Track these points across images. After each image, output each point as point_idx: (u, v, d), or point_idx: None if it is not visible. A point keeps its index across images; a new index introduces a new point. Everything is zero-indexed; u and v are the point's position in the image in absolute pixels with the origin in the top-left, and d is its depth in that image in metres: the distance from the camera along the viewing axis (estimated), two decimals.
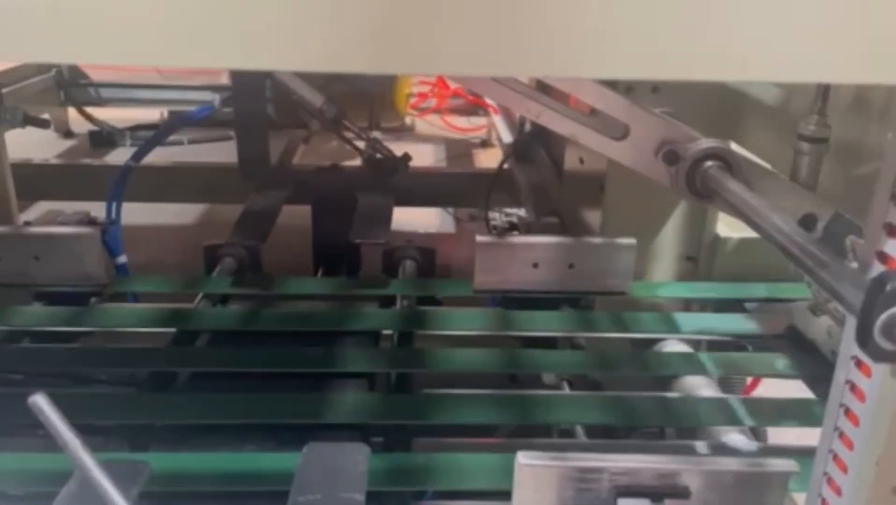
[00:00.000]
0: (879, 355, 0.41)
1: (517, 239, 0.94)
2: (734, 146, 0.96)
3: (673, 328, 0.94)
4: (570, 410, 0.78)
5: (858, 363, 0.47)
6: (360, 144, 1.25)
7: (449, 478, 0.64)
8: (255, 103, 1.22)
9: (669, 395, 0.85)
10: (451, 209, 2.32)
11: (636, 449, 0.75)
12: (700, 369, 0.88)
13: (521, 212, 1.83)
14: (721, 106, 0.97)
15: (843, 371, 0.48)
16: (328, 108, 1.07)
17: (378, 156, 1.12)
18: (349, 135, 1.25)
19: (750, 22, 0.36)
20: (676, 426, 0.83)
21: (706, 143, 0.63)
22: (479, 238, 0.93)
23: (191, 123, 1.44)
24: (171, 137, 2.34)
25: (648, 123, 0.63)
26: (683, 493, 0.57)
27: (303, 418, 0.70)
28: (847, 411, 0.47)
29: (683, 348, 0.97)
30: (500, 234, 0.93)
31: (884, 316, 0.39)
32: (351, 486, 0.52)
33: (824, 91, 0.66)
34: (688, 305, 1.07)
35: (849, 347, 0.47)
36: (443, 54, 0.37)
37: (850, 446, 0.47)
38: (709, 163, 0.62)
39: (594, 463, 0.57)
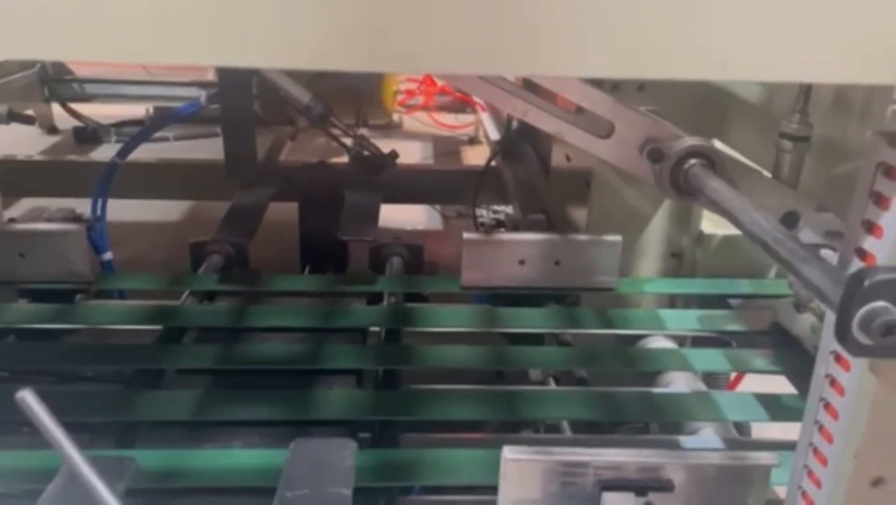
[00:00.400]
0: (857, 350, 0.41)
1: (504, 236, 0.95)
2: (718, 144, 0.98)
3: (658, 324, 0.94)
4: (555, 406, 0.78)
5: (838, 358, 0.47)
6: (348, 142, 1.25)
7: (436, 473, 0.64)
8: (241, 100, 1.21)
9: (654, 390, 0.86)
10: (438, 206, 2.32)
11: (621, 444, 0.75)
12: (684, 365, 0.89)
13: (509, 209, 1.84)
14: (706, 104, 0.98)
15: (823, 366, 0.48)
16: (315, 105, 1.07)
17: (365, 153, 1.13)
18: (336, 132, 1.25)
19: (730, 22, 0.36)
20: (660, 421, 0.84)
21: (690, 141, 0.64)
22: (466, 235, 0.93)
23: (177, 120, 1.43)
24: (158, 134, 2.33)
25: (633, 121, 0.64)
26: (667, 486, 0.58)
27: (290, 415, 0.70)
28: (827, 405, 0.48)
29: (668, 344, 0.99)
30: (487, 231, 0.94)
31: (862, 311, 0.40)
32: (338, 481, 0.52)
33: (806, 90, 0.67)
34: (673, 301, 1.08)
35: (828, 341, 0.48)
36: (429, 53, 0.38)
37: (830, 440, 0.48)
38: (692, 161, 0.63)
39: (579, 457, 0.58)
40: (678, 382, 0.91)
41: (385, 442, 0.72)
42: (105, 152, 2.25)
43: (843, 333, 0.41)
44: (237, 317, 0.88)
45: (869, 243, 0.44)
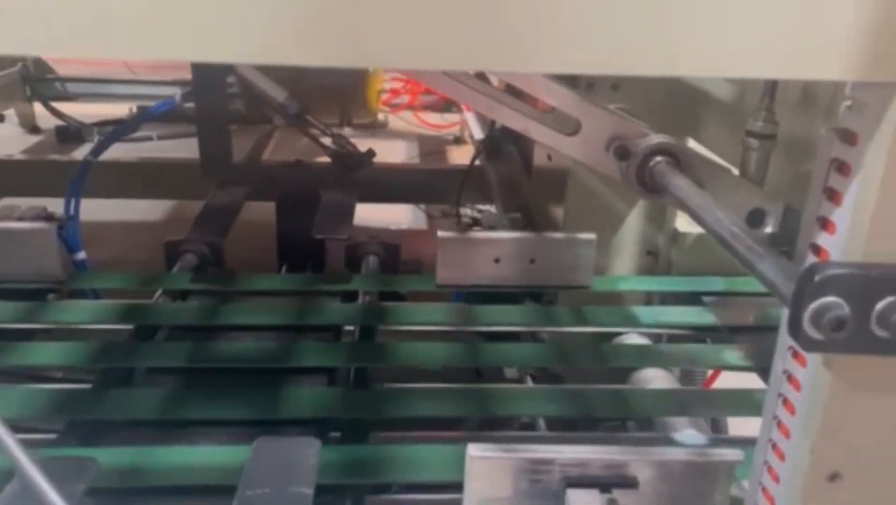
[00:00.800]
0: (809, 345, 0.42)
1: (479, 234, 0.95)
2: (693, 143, 0.98)
3: (633, 322, 0.95)
4: (527, 403, 0.78)
5: (795, 353, 0.48)
6: (327, 140, 1.24)
7: (404, 470, 0.64)
8: (216, 99, 1.21)
9: (627, 387, 0.86)
10: (423, 206, 2.32)
11: (590, 441, 0.75)
12: (659, 362, 0.89)
13: (493, 208, 1.84)
14: (680, 103, 0.98)
15: (781, 361, 0.49)
16: (291, 103, 1.06)
17: (342, 151, 1.12)
18: (314, 131, 1.24)
19: (679, 18, 0.36)
20: (632, 418, 0.84)
21: (656, 138, 0.64)
22: (440, 233, 0.93)
23: (152, 118, 1.43)
24: (140, 133, 2.32)
25: (599, 119, 0.64)
26: (632, 483, 0.58)
27: (258, 414, 0.70)
28: (785, 401, 0.48)
29: (643, 341, 0.99)
30: (462, 229, 0.94)
31: (813, 306, 0.40)
32: (300, 480, 0.52)
33: (771, 88, 0.67)
34: (649, 298, 1.08)
35: (785, 337, 0.48)
36: (385, 47, 0.37)
37: (788, 435, 0.48)
38: (658, 158, 0.63)
39: (544, 454, 0.58)
40: (652, 379, 0.91)
41: (354, 440, 0.72)
42: (87, 151, 2.23)
43: (795, 328, 0.41)
44: (209, 315, 0.88)
45: (823, 239, 0.44)
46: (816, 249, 0.45)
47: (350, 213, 1.05)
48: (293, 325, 0.87)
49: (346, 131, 2.66)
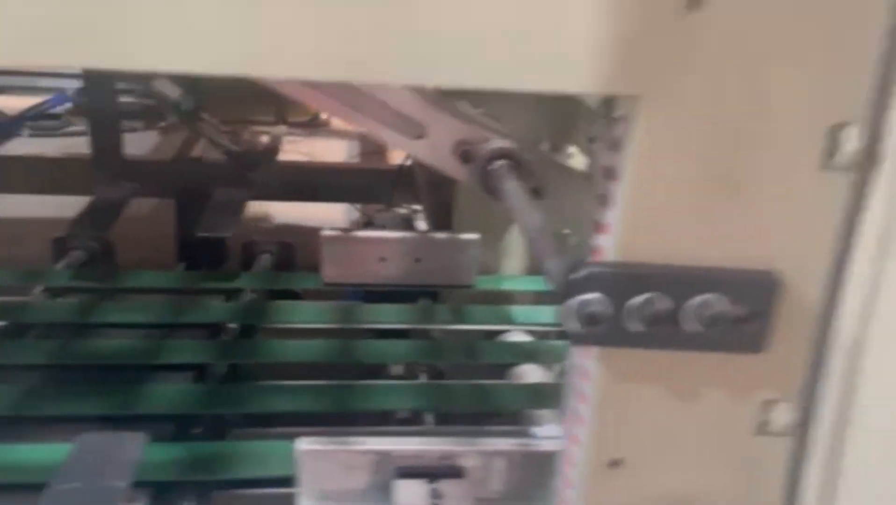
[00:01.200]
0: (574, 339, 0.44)
1: (362, 233, 0.97)
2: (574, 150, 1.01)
3: (513, 320, 0.98)
4: (392, 398, 0.80)
5: None
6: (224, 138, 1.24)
7: (250, 466, 0.66)
8: (106, 93, 1.20)
9: (492, 382, 0.89)
10: (358, 206, 2.32)
11: (432, 434, 0.78)
12: (533, 358, 0.93)
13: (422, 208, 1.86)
14: (564, 112, 1.01)
15: (575, 352, 0.52)
16: (185, 100, 1.07)
17: (237, 150, 1.13)
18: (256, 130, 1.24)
19: (426, 28, 0.39)
20: (496, 413, 0.87)
21: (497, 143, 0.66)
22: (323, 232, 0.95)
23: (45, 114, 1.41)
24: (75, 128, 2.28)
25: (445, 123, 0.66)
26: (458, 473, 0.60)
27: (114, 410, 0.71)
28: (578, 390, 0.51)
29: (526, 339, 1.02)
30: (347, 228, 0.95)
31: (573, 302, 0.43)
32: (116, 474, 0.53)
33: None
34: (539, 298, 1.11)
35: None
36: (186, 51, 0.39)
37: (580, 423, 0.51)
38: (499, 162, 0.66)
39: (376, 447, 0.60)
40: (527, 374, 0.94)
41: (213, 436, 0.73)
42: (15, 146, 2.19)
43: (561, 322, 0.44)
44: (86, 313, 0.88)
45: (601, 240, 0.47)
46: (595, 250, 0.48)
47: (239, 210, 1.06)
48: (170, 322, 0.87)
49: (282, 129, 2.65)
